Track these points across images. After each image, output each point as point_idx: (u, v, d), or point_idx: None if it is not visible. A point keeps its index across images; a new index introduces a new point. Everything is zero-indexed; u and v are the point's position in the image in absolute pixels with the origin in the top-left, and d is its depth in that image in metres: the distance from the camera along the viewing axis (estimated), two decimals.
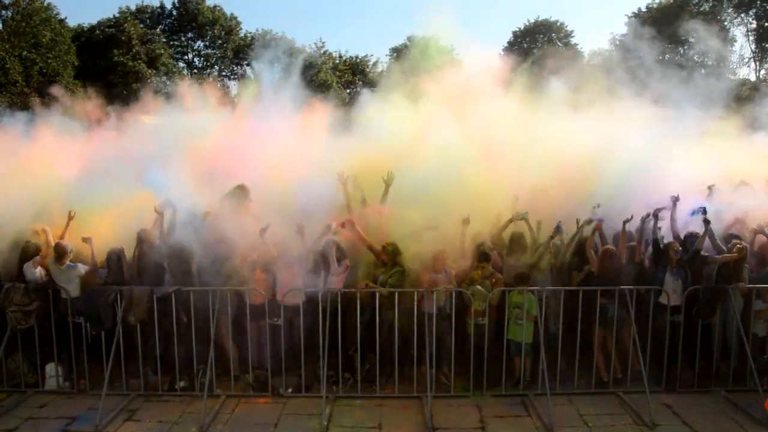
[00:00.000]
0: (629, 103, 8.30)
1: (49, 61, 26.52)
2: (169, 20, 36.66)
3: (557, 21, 38.38)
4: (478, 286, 6.26)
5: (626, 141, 7.45)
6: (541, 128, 8.04)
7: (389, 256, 6.43)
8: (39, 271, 6.39)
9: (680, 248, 6.43)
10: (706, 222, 6.40)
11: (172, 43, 36.33)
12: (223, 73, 38.13)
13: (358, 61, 38.80)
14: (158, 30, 35.17)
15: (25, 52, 25.35)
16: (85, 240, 6.39)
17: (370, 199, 7.21)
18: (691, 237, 6.67)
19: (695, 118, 8.08)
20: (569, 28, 38.38)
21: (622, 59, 10.26)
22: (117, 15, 32.98)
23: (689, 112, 8.02)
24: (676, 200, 6.66)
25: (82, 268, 6.39)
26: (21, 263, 6.46)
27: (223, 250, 6.43)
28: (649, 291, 6.37)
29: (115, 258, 6.47)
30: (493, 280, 6.34)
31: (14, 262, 6.55)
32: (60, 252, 6.29)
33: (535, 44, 36.80)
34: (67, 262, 6.32)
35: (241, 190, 7.03)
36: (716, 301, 6.37)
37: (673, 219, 6.76)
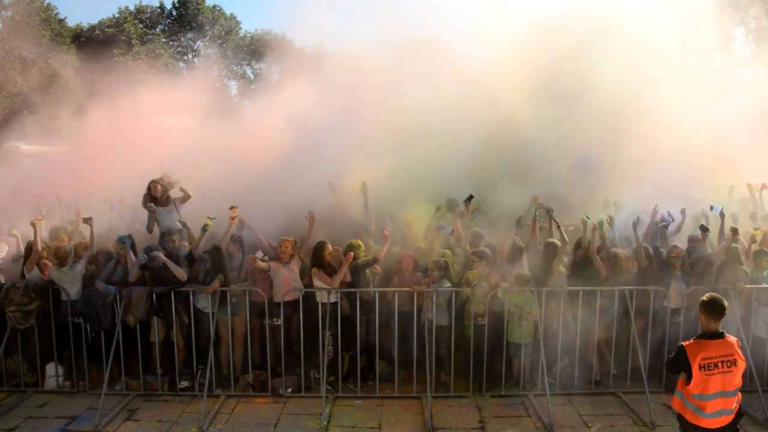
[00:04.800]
0: None
1: (49, 61, 26.48)
2: (169, 20, 36.63)
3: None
4: (477, 287, 6.25)
5: None
6: None
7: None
8: (36, 273, 6.39)
9: (682, 254, 6.46)
10: (703, 229, 6.47)
11: (172, 43, 36.29)
12: (223, 73, 38.05)
13: None
14: (158, 30, 35.15)
15: (24, 52, 25.30)
16: (86, 221, 6.48)
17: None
18: (692, 241, 6.81)
19: None
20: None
21: None
22: (117, 15, 33.00)
23: None
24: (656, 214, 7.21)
25: (83, 263, 6.41)
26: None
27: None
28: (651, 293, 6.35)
29: (103, 259, 6.56)
30: (492, 280, 6.32)
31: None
32: (62, 257, 6.35)
33: None
34: (69, 263, 6.37)
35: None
36: None
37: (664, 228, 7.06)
